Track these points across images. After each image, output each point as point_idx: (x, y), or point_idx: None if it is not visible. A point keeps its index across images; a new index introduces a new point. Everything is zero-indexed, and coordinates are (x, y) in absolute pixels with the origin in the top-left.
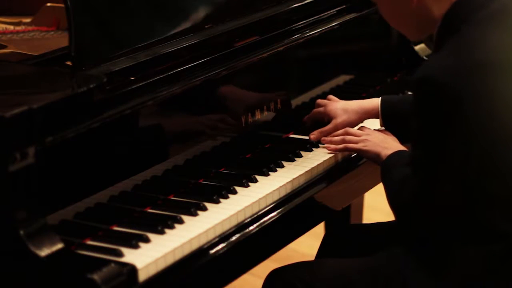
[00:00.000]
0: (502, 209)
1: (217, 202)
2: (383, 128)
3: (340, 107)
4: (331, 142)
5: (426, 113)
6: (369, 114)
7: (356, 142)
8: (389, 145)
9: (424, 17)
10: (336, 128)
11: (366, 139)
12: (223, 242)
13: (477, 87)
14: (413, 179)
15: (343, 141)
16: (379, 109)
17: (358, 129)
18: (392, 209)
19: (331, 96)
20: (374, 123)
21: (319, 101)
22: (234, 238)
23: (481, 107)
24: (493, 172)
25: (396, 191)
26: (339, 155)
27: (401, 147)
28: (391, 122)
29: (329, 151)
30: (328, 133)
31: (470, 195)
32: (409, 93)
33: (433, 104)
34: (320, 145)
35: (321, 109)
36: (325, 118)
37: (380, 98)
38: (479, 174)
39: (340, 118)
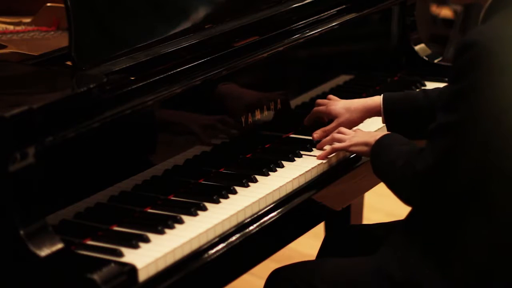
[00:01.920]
0: None
1: (217, 202)
2: (384, 124)
3: (342, 106)
4: (322, 144)
5: (467, 77)
6: (372, 112)
7: (344, 140)
8: (377, 134)
9: None
10: (339, 126)
11: (353, 136)
12: (223, 242)
13: None
14: (431, 149)
15: (332, 139)
16: (381, 106)
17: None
18: (395, 186)
19: (331, 96)
20: (375, 122)
21: (319, 100)
22: (234, 238)
23: None
24: None
25: (402, 166)
26: (340, 154)
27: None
28: (393, 119)
29: (321, 158)
30: (331, 132)
31: (487, 172)
32: (407, 91)
33: (477, 68)
34: (303, 154)
35: (322, 108)
36: (326, 118)
37: (381, 95)
38: (503, 150)
39: (343, 117)
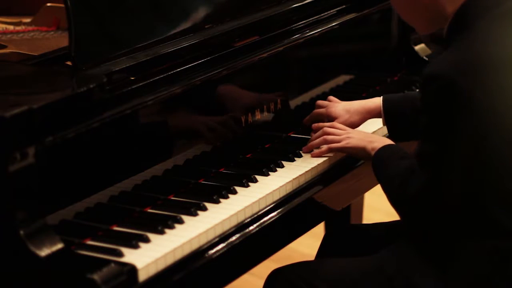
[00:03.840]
0: (508, 206)
1: (217, 202)
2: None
3: (342, 108)
4: (312, 146)
5: (435, 109)
6: (371, 113)
7: (338, 141)
8: (373, 139)
9: (436, 12)
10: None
11: (348, 136)
12: (223, 242)
13: (487, 84)
14: (419, 174)
15: (325, 142)
16: (381, 108)
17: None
18: (394, 205)
19: (332, 97)
20: (375, 122)
21: (320, 102)
22: (234, 238)
23: (490, 103)
24: (502, 168)
25: (398, 187)
26: (339, 156)
27: (386, 140)
28: (393, 120)
29: (315, 156)
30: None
31: (478, 191)
32: (407, 91)
33: (442, 101)
34: (303, 154)
35: (322, 110)
36: (326, 120)
37: (381, 97)
38: (487, 169)
39: (342, 118)
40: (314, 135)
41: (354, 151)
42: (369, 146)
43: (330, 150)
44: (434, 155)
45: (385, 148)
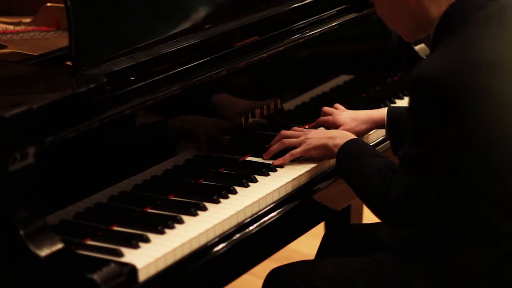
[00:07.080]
0: (499, 208)
1: (217, 202)
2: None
3: (348, 116)
4: (272, 152)
5: (423, 112)
6: (377, 124)
7: (297, 145)
8: (332, 134)
9: (422, 17)
10: None
11: (306, 138)
12: (223, 242)
13: (475, 85)
14: (402, 176)
15: (283, 146)
16: (385, 119)
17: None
18: (369, 203)
19: (338, 105)
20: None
21: (326, 109)
22: (234, 238)
23: (478, 105)
24: (490, 171)
25: (377, 187)
26: None
27: (348, 135)
28: (396, 133)
29: (278, 164)
30: None
31: (465, 192)
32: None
33: (430, 103)
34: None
35: (328, 117)
36: (331, 127)
37: (386, 108)
38: (475, 172)
39: (349, 126)
40: (273, 140)
41: (315, 152)
42: (330, 142)
43: (292, 156)
44: (419, 157)
45: (351, 142)
